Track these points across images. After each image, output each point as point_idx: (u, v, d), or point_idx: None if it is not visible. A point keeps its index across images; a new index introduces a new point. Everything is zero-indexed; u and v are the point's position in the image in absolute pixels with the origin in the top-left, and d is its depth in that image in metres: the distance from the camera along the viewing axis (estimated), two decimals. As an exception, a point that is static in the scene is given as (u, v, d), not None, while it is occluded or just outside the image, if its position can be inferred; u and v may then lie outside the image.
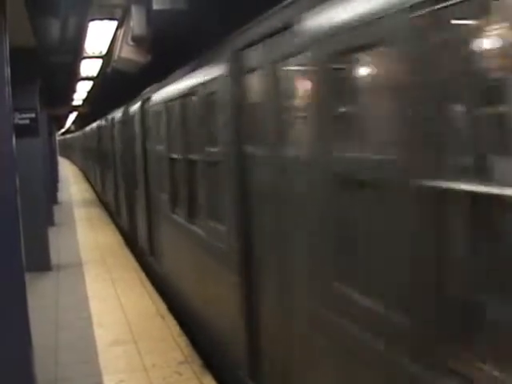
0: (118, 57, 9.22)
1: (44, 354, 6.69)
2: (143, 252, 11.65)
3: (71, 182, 36.56)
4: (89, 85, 18.83)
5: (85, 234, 15.98)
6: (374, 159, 3.14)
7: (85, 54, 12.13)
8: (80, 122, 42.33)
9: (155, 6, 7.50)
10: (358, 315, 3.31)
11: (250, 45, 4.86)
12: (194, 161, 6.90)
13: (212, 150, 6.11)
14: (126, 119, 13.12)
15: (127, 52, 8.61)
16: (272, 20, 4.43)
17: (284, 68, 4.25)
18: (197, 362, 6.52)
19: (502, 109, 2.45)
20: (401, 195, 2.89)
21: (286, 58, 4.20)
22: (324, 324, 3.75)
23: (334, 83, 3.60)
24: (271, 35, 4.40)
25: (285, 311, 4.43)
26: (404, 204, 2.87)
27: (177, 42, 8.00)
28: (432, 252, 2.69)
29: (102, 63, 13.60)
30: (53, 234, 13.64)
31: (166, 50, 8.36)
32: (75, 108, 29.08)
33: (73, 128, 54.64)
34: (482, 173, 2.48)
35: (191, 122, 7.06)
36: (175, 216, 8.23)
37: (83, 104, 26.66)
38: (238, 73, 5.16)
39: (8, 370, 5.03)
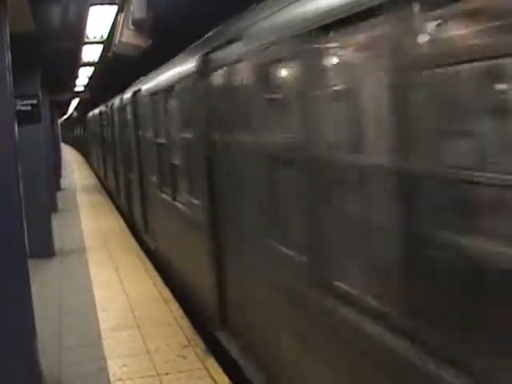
0: (119, 41, 9.19)
1: (48, 339, 6.74)
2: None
3: (74, 169, 36.59)
4: (90, 70, 18.78)
5: (88, 219, 16.02)
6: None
7: (86, 40, 12.09)
8: (82, 109, 42.26)
9: (155, -10, 7.48)
10: None
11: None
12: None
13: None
14: (122, 107, 14.00)
15: (128, 37, 8.59)
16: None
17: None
18: (200, 346, 6.55)
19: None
20: None
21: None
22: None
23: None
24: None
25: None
26: None
27: (177, 25, 7.97)
28: None
29: (103, 48, 13.57)
30: (56, 220, 13.68)
31: (167, 34, 8.34)
32: (77, 94, 29.02)
33: (75, 114, 54.55)
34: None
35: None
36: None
37: (85, 90, 26.60)
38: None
39: (12, 355, 5.07)
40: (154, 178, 9.96)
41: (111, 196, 20.35)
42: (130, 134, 12.87)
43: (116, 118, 16.18)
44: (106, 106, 19.16)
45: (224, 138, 5.73)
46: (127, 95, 12.84)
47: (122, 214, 16.27)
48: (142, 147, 11.40)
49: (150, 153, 10.12)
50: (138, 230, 12.92)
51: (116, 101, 15.78)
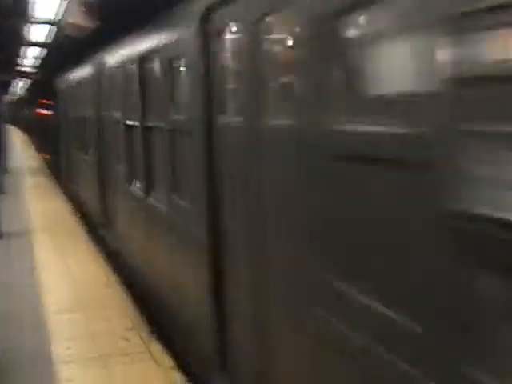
0: (68, 22, 9.07)
1: (-9, 322, 6.68)
2: None
3: (19, 150, 35.93)
4: (39, 51, 18.47)
5: (35, 202, 15.81)
6: None
7: (33, 19, 11.88)
8: (34, 89, 41.42)
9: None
10: None
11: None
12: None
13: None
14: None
15: (76, 18, 8.48)
16: None
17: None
18: (144, 329, 6.58)
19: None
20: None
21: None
22: None
23: None
24: None
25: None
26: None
27: (127, 6, 7.89)
28: None
29: (53, 29, 13.36)
30: (2, 203, 13.45)
31: (116, 15, 8.26)
32: (26, 74, 28.43)
33: (26, 95, 53.37)
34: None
35: None
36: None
37: (37, 71, 26.09)
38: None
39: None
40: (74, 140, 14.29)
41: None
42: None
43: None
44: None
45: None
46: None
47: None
48: (68, 121, 15.72)
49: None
50: (64, 179, 17.37)
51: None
